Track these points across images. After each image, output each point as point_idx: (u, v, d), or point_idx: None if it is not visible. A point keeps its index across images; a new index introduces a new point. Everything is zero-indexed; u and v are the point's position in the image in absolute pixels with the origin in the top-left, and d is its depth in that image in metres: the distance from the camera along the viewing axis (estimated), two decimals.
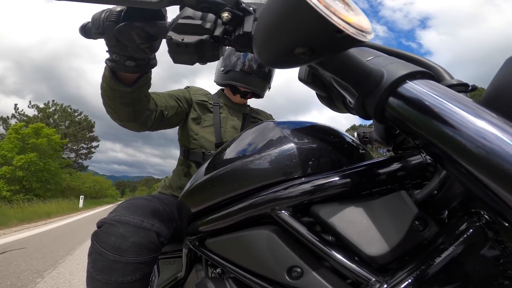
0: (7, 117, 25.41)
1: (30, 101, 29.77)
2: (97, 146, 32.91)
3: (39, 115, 27.42)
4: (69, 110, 30.13)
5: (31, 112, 27.31)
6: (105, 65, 0.66)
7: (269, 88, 1.28)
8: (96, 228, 0.78)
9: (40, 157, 14.82)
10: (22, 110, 26.52)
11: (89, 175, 31.73)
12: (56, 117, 28.96)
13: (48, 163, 15.49)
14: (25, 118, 25.86)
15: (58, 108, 29.30)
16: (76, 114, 30.74)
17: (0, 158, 12.83)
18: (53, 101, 29.78)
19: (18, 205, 10.56)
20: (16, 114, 26.06)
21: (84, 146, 31.39)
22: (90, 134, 31.77)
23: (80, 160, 30.72)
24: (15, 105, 26.26)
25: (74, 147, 29.73)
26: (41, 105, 27.99)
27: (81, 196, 17.42)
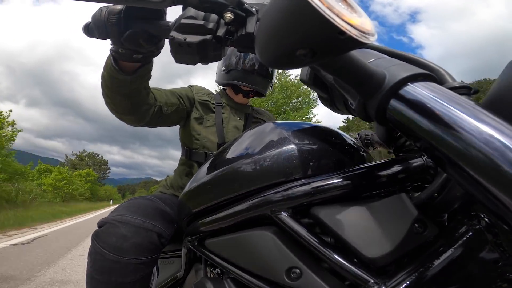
0: (64, 161, 57.29)
1: (72, 152, 62.00)
2: (109, 172, 66.68)
3: (77, 159, 58.46)
4: (93, 154, 62.96)
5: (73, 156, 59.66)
6: (108, 53, 0.65)
7: (271, 86, 1.28)
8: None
9: (91, 185, 36.29)
10: (69, 157, 58.75)
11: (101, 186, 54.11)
12: (87, 159, 59.95)
13: (95, 186, 38.93)
14: (70, 160, 57.55)
15: (87, 154, 61.33)
16: (97, 156, 63.52)
17: (76, 185, 28.67)
18: (84, 150, 63.53)
19: (86, 204, 27.08)
20: (66, 159, 58.25)
21: (102, 172, 62.16)
22: (105, 166, 64.69)
23: (100, 181, 57.40)
24: (66, 155, 58.95)
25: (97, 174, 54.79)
26: (78, 153, 60.59)
27: (111, 200, 42.01)
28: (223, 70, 1.18)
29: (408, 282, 0.30)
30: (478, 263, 0.31)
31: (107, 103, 0.81)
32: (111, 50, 0.62)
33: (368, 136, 1.23)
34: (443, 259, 0.31)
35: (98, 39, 0.55)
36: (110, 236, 0.72)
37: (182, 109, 1.09)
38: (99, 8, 0.52)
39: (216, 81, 1.24)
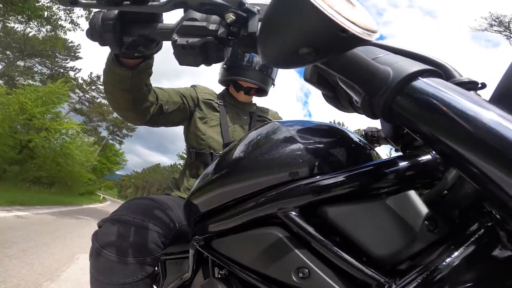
0: None
1: None
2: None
3: None
4: None
5: None
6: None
7: (274, 84, 1.27)
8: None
9: None
10: None
11: None
12: None
13: None
14: None
15: None
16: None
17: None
18: None
19: None
20: None
21: None
22: None
23: None
24: None
25: None
26: None
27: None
28: (223, 68, 1.19)
29: (419, 282, 0.29)
30: (491, 262, 0.30)
31: (108, 99, 0.82)
32: None
33: (375, 133, 1.22)
34: (454, 258, 0.30)
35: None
36: (109, 236, 0.71)
37: (184, 109, 1.10)
38: (94, 13, 0.51)
39: (218, 81, 1.25)
